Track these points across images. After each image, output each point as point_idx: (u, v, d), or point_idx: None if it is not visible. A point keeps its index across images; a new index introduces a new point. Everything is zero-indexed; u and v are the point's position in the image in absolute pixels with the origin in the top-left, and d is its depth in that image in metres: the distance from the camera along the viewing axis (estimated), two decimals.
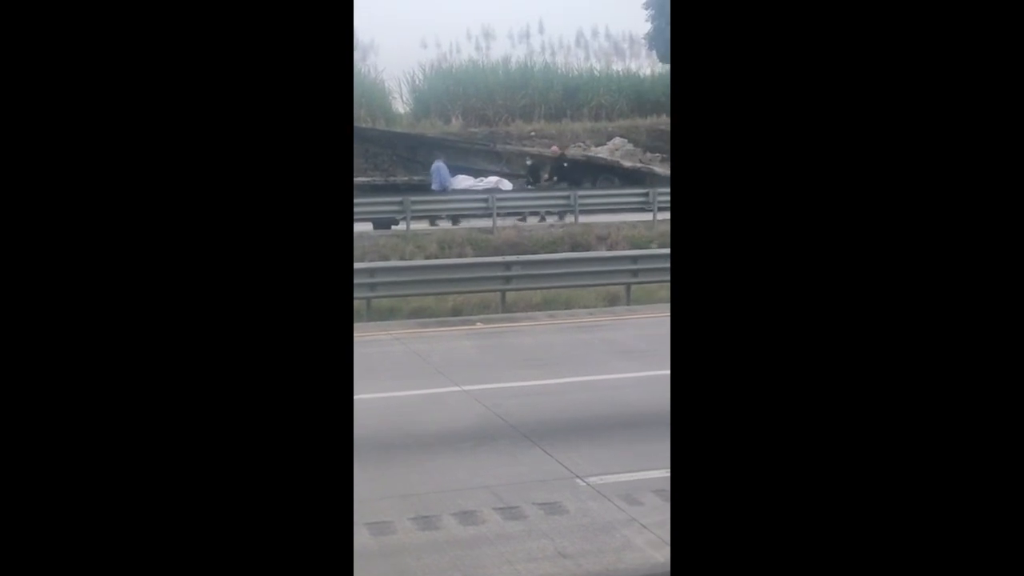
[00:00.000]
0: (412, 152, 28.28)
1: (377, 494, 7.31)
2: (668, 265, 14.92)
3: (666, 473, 7.51)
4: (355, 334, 10.65)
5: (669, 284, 14.74)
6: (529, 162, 27.97)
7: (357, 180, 25.59)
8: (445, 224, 22.30)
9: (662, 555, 6.39)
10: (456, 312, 13.86)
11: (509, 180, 26.59)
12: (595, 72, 35.46)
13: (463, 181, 26.21)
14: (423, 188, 25.43)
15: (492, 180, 26.40)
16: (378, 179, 26.56)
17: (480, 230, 21.19)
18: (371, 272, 14.58)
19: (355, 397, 9.56)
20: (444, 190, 25.20)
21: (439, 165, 25.63)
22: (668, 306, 11.46)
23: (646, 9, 34.21)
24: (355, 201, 22.62)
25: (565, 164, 27.65)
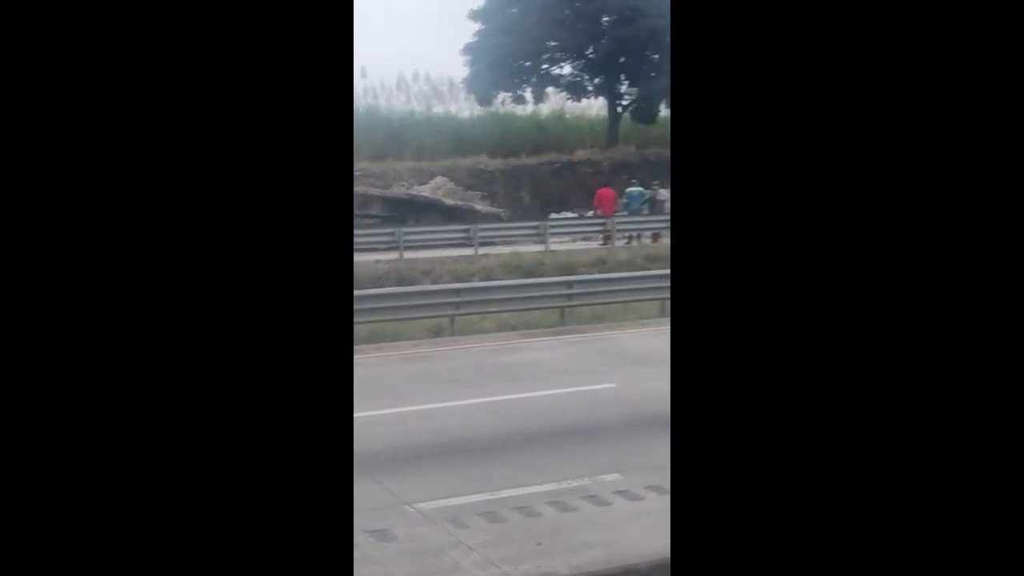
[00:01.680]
0: None
1: None
2: (489, 297, 15.04)
3: (490, 496, 7.65)
4: None
5: (489, 315, 14.88)
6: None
7: None
8: None
9: (487, 574, 6.41)
10: None
11: None
12: (416, 114, 35.59)
13: None
14: None
15: None
16: None
17: None
18: None
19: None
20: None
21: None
22: (497, 337, 11.61)
23: (464, 55, 34.47)
24: None
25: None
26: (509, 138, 33.49)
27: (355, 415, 8.83)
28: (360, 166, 30.02)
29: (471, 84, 35.00)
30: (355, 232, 24.08)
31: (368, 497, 7.73)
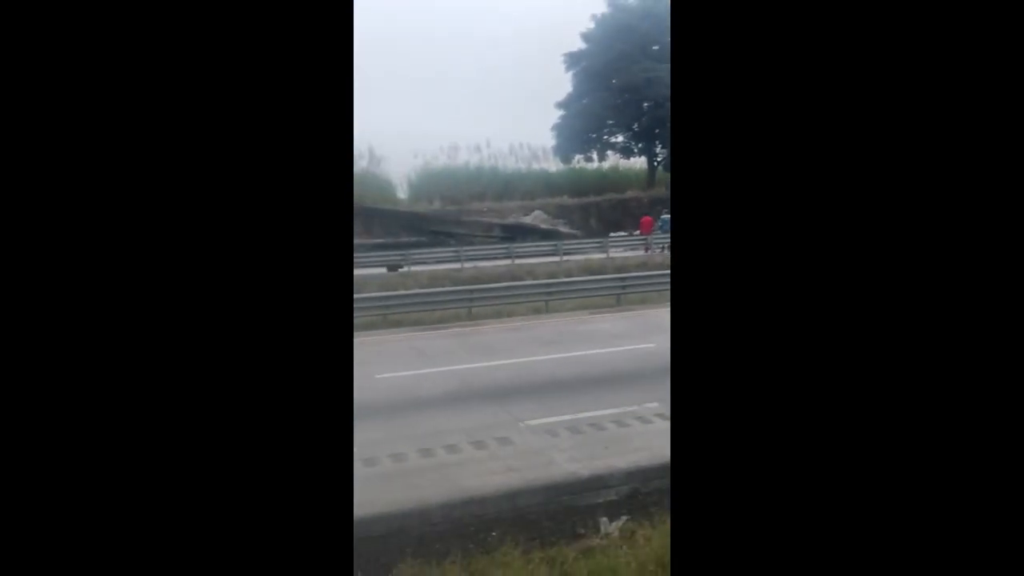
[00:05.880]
0: (409, 222, 28.24)
1: (393, 437, 7.17)
2: (570, 288, 14.94)
3: (572, 416, 7.58)
4: (382, 335, 10.51)
5: (577, 299, 14.81)
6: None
7: (374, 241, 25.37)
8: (421, 267, 22.11)
9: (573, 467, 6.36)
10: (440, 321, 13.72)
11: (464, 239, 26.54)
12: (521, 170, 35.74)
13: None
14: (419, 245, 25.26)
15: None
16: (389, 240, 26.36)
17: (452, 270, 21.11)
18: (385, 298, 14.46)
19: (391, 375, 9.45)
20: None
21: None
22: (575, 314, 11.55)
23: (552, 131, 34.93)
24: (372, 255, 22.64)
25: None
26: (582, 184, 33.39)
27: (484, 364, 8.98)
28: (486, 204, 30.35)
29: (557, 149, 35.25)
30: (483, 248, 24.37)
31: (495, 417, 7.77)
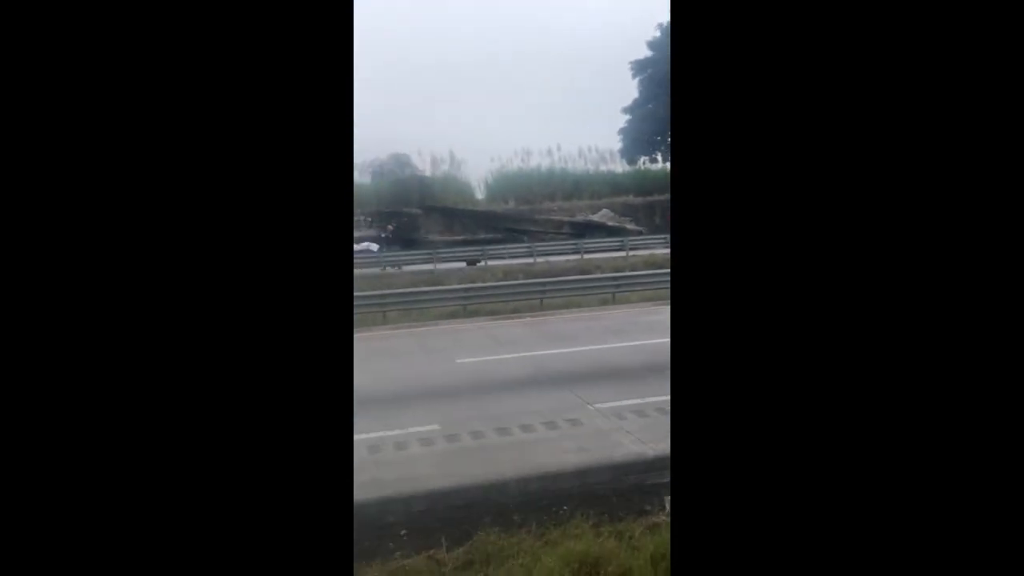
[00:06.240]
0: (486, 221, 28.65)
1: (473, 416, 7.41)
2: (635, 281, 14.97)
3: (639, 400, 7.68)
4: (461, 324, 10.83)
5: (642, 292, 14.83)
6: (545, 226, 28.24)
7: (454, 238, 25.89)
8: (497, 261, 22.38)
9: (639, 448, 6.46)
10: (514, 311, 13.92)
11: (537, 236, 26.72)
12: (590, 172, 35.74)
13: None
14: (495, 241, 25.61)
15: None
16: (467, 237, 26.81)
17: (526, 264, 21.32)
18: (464, 290, 14.79)
19: (470, 360, 9.73)
20: None
21: None
22: (640, 306, 11.60)
23: (619, 134, 35.03)
24: (452, 251, 23.21)
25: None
26: (646, 184, 33.13)
27: (556, 351, 9.14)
28: (556, 204, 30.51)
29: (623, 152, 35.42)
30: (554, 244, 24.57)
31: (566, 400, 7.94)
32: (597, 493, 5.93)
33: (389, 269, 21.06)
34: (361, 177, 31.49)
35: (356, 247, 23.41)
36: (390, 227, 26.52)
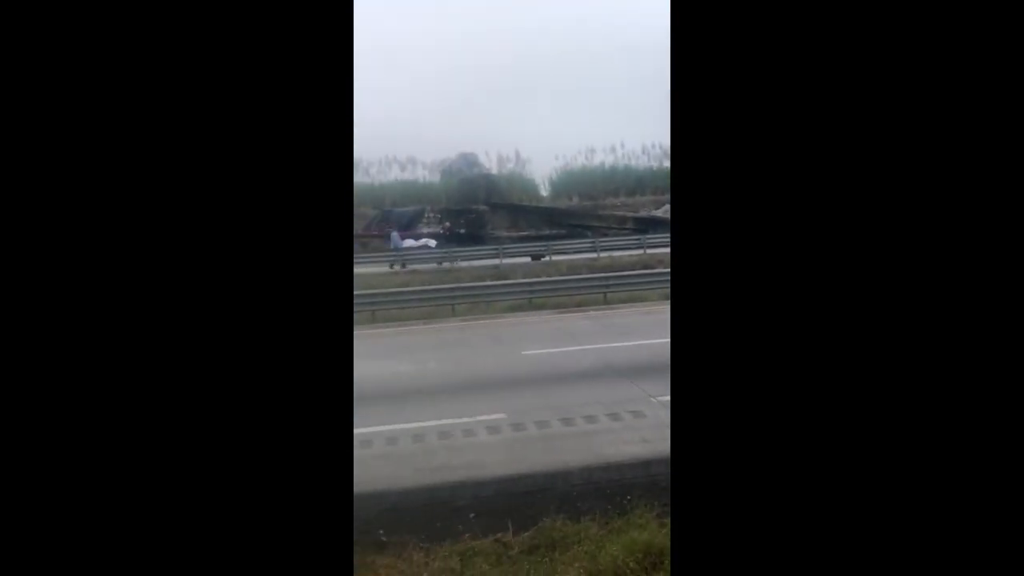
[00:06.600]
0: (551, 217, 28.72)
1: (538, 406, 7.40)
2: None
3: None
4: (527, 317, 10.81)
5: None
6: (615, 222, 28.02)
7: (519, 233, 26.00)
8: (561, 256, 22.34)
9: None
10: (578, 305, 13.86)
11: (600, 231, 26.57)
12: (653, 168, 35.27)
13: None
14: (559, 236, 25.60)
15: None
16: (532, 232, 26.88)
17: (589, 259, 21.23)
18: (530, 284, 14.79)
19: (536, 351, 9.72)
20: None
21: None
22: None
23: None
24: (518, 246, 23.36)
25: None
26: None
27: (619, 344, 9.02)
28: (620, 200, 30.33)
29: None
30: (616, 240, 24.41)
31: (629, 392, 7.85)
32: (660, 484, 5.81)
33: (445, 264, 21.39)
34: (431, 176, 31.92)
35: (415, 243, 24.01)
36: (447, 224, 26.83)
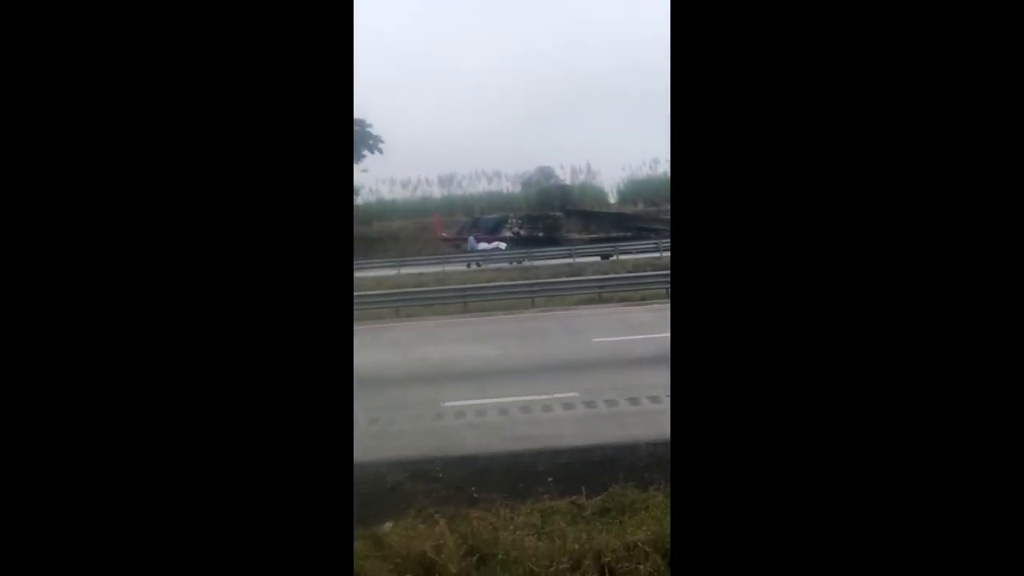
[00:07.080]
0: (618, 221, 29.18)
1: (606, 388, 7.72)
2: None
3: None
4: (596, 309, 11.04)
5: None
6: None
7: (591, 236, 26.48)
8: (627, 256, 22.57)
9: None
10: (642, 299, 14.04)
11: (663, 234, 26.72)
12: None
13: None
14: (625, 239, 25.84)
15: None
16: (601, 235, 27.26)
17: (652, 258, 21.40)
18: (599, 280, 15.16)
19: (604, 339, 9.92)
20: None
21: None
22: None
23: None
24: (589, 247, 23.74)
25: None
26: None
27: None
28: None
29: None
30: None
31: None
32: None
33: (514, 264, 22.38)
34: (513, 187, 33.53)
35: (487, 246, 25.25)
36: (517, 230, 27.70)
